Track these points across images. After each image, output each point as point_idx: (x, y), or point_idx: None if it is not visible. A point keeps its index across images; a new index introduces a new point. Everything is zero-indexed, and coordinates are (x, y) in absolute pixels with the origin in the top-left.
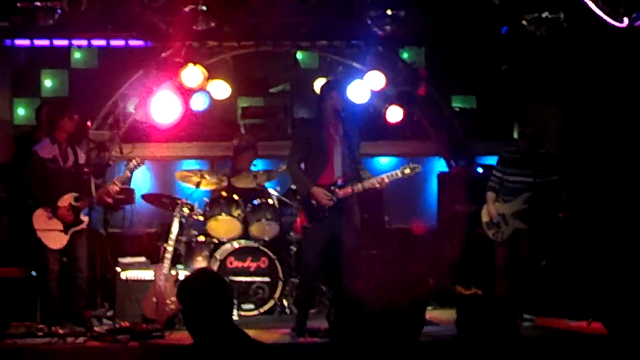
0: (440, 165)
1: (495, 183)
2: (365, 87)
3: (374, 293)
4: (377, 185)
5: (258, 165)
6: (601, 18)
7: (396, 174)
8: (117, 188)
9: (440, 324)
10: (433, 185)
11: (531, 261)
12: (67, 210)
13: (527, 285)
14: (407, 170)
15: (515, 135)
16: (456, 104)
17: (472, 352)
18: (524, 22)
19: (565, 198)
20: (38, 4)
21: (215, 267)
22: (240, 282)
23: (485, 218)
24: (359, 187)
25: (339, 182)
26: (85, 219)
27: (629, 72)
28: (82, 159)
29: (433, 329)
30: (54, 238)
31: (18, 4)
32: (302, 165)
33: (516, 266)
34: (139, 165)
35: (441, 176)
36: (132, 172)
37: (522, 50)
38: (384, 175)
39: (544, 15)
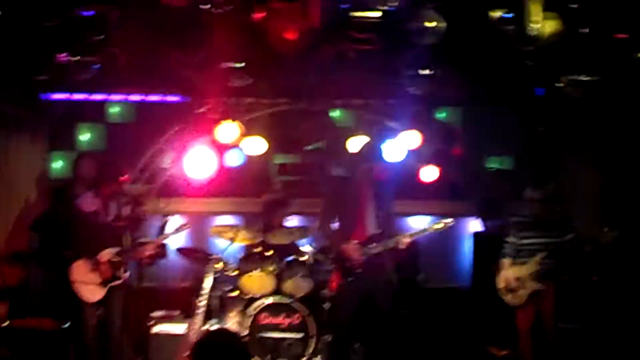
0: (475, 225)
1: (510, 249)
2: (401, 145)
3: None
4: (405, 241)
5: (293, 222)
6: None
7: (429, 229)
8: (151, 251)
9: None
10: (468, 245)
11: (555, 321)
12: (107, 266)
13: (554, 347)
14: (440, 225)
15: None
16: (493, 164)
17: None
18: (561, 84)
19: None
20: (75, 58)
21: (247, 323)
22: (273, 338)
23: (501, 284)
24: (391, 244)
25: (372, 239)
26: (124, 275)
27: None
28: (125, 212)
29: None
30: (91, 291)
31: (55, 58)
32: (336, 223)
33: (540, 327)
34: (185, 227)
35: (477, 236)
36: (177, 232)
37: (559, 112)
38: (413, 231)
39: (580, 77)
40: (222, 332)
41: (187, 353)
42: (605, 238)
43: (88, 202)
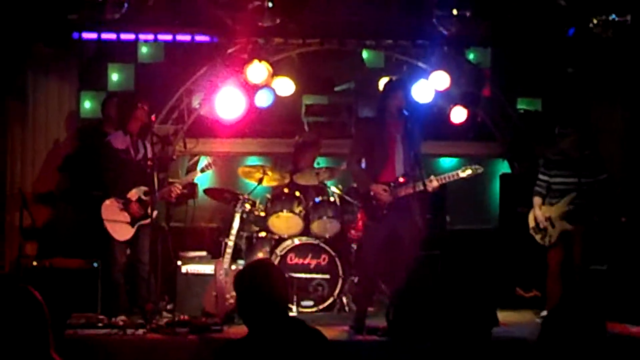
0: (503, 166)
1: (542, 187)
2: (429, 87)
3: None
4: (433, 185)
5: (321, 162)
6: None
7: (456, 175)
8: (178, 191)
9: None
10: (496, 186)
11: (585, 263)
12: (137, 204)
13: (583, 288)
14: (468, 172)
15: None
16: (522, 106)
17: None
18: (591, 25)
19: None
20: None
21: (275, 263)
22: (300, 278)
23: (531, 223)
24: (419, 185)
25: (400, 180)
26: (152, 213)
27: None
28: (150, 153)
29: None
30: (121, 230)
31: None
32: (363, 163)
33: (570, 269)
34: (210, 167)
35: (504, 178)
36: (202, 172)
37: (589, 53)
38: (442, 176)
39: (611, 17)
40: (263, 260)
41: (215, 293)
42: None
43: (119, 140)
